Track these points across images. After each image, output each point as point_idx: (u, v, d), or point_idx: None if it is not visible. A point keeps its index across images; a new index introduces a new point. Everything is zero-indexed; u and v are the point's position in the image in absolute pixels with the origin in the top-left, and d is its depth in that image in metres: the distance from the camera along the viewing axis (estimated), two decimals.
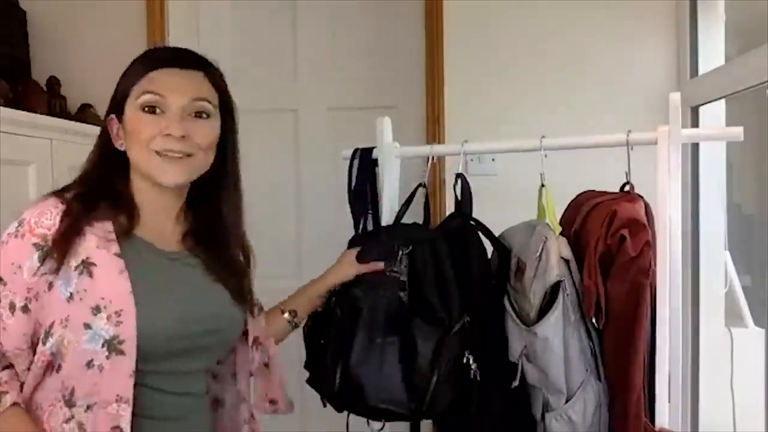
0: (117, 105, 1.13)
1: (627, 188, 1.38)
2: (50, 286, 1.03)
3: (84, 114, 2.29)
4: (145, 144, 1.08)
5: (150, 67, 1.12)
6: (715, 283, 2.01)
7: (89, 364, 1.01)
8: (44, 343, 1.03)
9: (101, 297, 1.02)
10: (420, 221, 1.57)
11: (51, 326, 1.03)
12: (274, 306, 1.39)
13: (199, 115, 1.11)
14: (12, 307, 1.04)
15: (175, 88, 1.10)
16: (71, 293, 1.02)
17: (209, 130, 1.13)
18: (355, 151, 1.66)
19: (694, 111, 2.02)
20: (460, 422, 1.38)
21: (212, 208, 1.19)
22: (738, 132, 1.31)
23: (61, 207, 1.06)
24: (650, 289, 1.27)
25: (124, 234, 1.09)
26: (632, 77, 2.15)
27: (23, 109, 1.90)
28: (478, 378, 1.32)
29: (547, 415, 1.30)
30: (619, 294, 1.28)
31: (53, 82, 2.27)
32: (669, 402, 1.27)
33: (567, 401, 1.29)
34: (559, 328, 1.27)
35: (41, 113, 2.04)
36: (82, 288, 1.02)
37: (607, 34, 2.17)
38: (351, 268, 1.41)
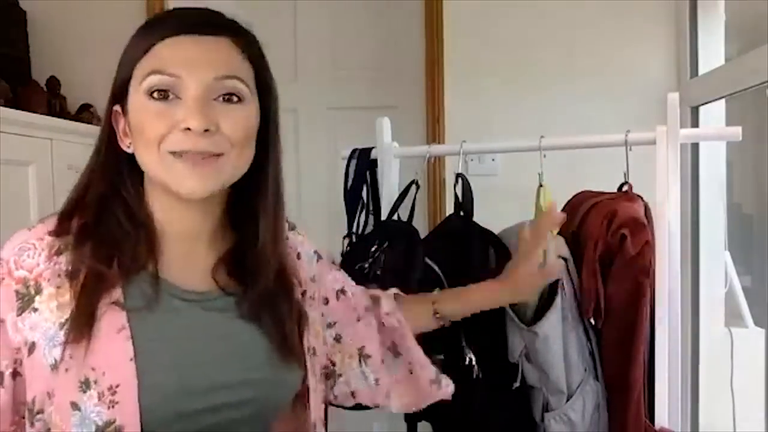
0: (119, 92, 0.83)
1: (625, 188, 1.38)
2: (32, 347, 0.77)
3: (84, 114, 2.29)
4: (156, 143, 0.79)
5: (156, 36, 0.81)
6: (715, 283, 2.01)
7: None
8: (32, 425, 0.78)
9: (92, 367, 0.75)
10: (425, 220, 1.58)
11: (33, 402, 0.78)
12: (426, 297, 1.16)
13: (228, 98, 0.81)
14: (0, 377, 0.78)
15: (192, 63, 0.79)
16: (55, 360, 0.76)
17: (243, 119, 0.83)
18: (354, 151, 1.66)
19: (694, 111, 2.02)
20: (460, 425, 1.38)
21: (249, 224, 0.89)
22: (736, 132, 1.31)
23: (49, 241, 0.80)
24: (650, 288, 1.27)
25: (130, 271, 0.81)
26: (632, 77, 2.15)
27: (23, 109, 1.90)
28: (481, 377, 1.32)
29: (547, 416, 1.30)
30: (618, 293, 1.28)
31: (53, 82, 2.28)
32: (669, 402, 1.27)
33: (567, 401, 1.29)
34: (558, 327, 1.27)
35: (41, 113, 2.04)
36: (68, 354, 0.75)
37: (607, 34, 2.17)
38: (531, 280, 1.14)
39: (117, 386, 0.75)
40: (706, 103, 1.98)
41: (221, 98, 0.81)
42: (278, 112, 0.92)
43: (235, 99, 0.82)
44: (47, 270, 0.79)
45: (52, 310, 0.77)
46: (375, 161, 1.64)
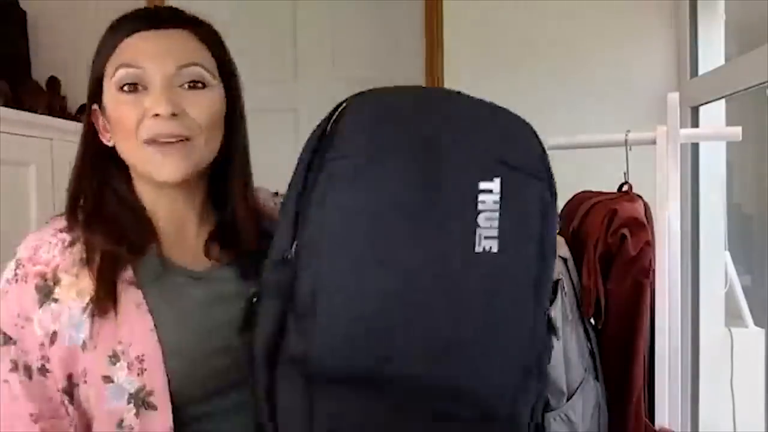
0: (94, 90, 0.90)
1: (625, 188, 1.38)
2: (54, 336, 0.83)
3: (84, 114, 2.29)
4: (133, 132, 0.85)
5: (122, 33, 0.87)
6: (715, 283, 2.01)
7: (120, 425, 0.83)
8: (71, 403, 0.85)
9: (118, 340, 0.83)
10: None
11: (69, 378, 0.84)
12: None
13: (193, 85, 0.87)
14: (27, 371, 0.83)
15: (156, 55, 0.86)
16: (84, 340, 0.83)
17: (208, 103, 0.88)
18: None
19: (694, 111, 2.02)
20: None
21: (226, 204, 0.95)
22: (736, 132, 1.31)
23: (62, 236, 0.86)
24: (650, 288, 1.27)
25: (137, 253, 0.87)
26: (632, 77, 2.15)
27: (23, 109, 1.90)
28: None
29: (547, 416, 1.30)
30: (618, 293, 1.28)
31: (53, 82, 2.28)
32: (669, 402, 1.27)
33: (567, 401, 1.30)
34: (558, 327, 1.27)
35: (41, 113, 2.04)
36: (95, 331, 0.82)
37: (607, 34, 2.17)
38: None
39: (143, 355, 0.82)
40: (706, 103, 1.98)
41: (186, 85, 0.87)
42: (242, 97, 0.97)
43: (199, 85, 0.88)
44: (64, 261, 0.84)
45: (74, 298, 0.83)
46: None
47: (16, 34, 2.27)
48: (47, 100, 2.21)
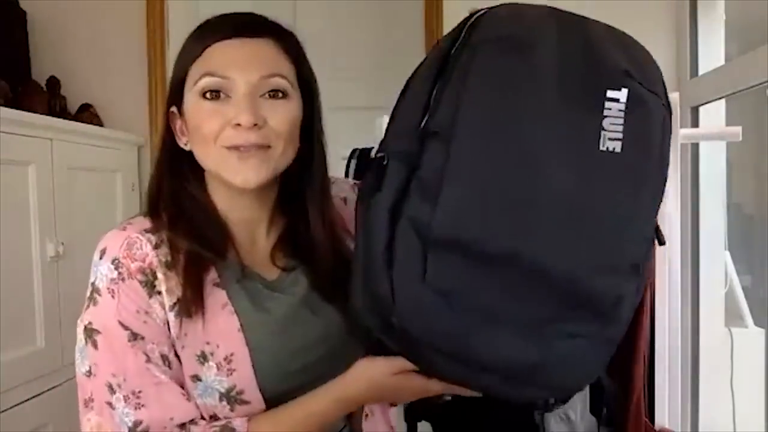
0: (175, 93, 0.92)
1: None
2: (167, 326, 0.88)
3: (84, 114, 2.29)
4: (212, 139, 0.87)
5: (207, 40, 0.89)
6: (715, 283, 2.01)
7: (213, 418, 0.88)
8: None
9: (206, 341, 0.87)
10: None
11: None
12: None
13: (273, 95, 0.89)
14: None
15: (241, 65, 0.87)
16: (173, 338, 0.88)
17: (287, 113, 0.90)
18: (354, 151, 1.66)
19: (694, 111, 2.02)
20: (460, 425, 1.38)
21: (298, 209, 0.97)
22: (736, 132, 1.31)
23: (149, 237, 0.88)
24: (650, 288, 1.27)
25: (218, 256, 0.90)
26: None
27: (23, 109, 1.90)
28: None
29: (547, 416, 1.30)
30: None
31: (53, 82, 2.28)
32: (669, 402, 1.27)
33: (567, 401, 1.30)
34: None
35: (41, 113, 2.04)
36: (183, 332, 0.86)
37: None
38: None
39: (231, 355, 0.86)
40: (706, 103, 1.98)
41: (267, 95, 0.89)
42: (320, 107, 1.01)
43: (279, 95, 0.90)
44: (154, 258, 0.87)
45: (164, 295, 0.86)
46: None
47: (16, 34, 2.27)
48: (47, 100, 2.21)
